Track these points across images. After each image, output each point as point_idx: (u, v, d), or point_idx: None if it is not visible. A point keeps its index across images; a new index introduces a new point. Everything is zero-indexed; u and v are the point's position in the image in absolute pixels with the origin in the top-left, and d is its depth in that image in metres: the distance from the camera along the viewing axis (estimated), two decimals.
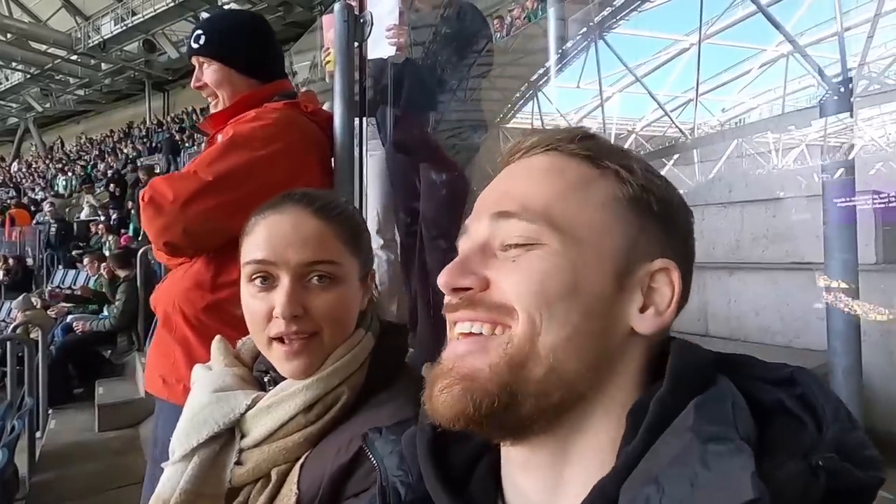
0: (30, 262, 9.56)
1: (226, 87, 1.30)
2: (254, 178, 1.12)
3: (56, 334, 5.24)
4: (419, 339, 2.02)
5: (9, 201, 14.01)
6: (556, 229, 0.42)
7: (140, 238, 6.74)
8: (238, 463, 0.69)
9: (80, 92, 21.55)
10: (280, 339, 0.70)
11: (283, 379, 0.73)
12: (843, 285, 3.14)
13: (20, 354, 3.89)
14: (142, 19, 16.39)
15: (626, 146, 0.60)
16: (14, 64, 19.98)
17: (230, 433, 0.71)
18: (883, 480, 0.33)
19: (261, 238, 0.72)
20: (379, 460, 0.50)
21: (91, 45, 17.81)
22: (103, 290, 5.97)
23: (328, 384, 0.70)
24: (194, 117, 15.04)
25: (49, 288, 7.45)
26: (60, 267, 8.76)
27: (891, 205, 3.56)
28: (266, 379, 0.76)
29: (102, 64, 19.18)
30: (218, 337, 0.82)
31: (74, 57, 18.66)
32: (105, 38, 17.43)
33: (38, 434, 3.67)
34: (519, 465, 0.44)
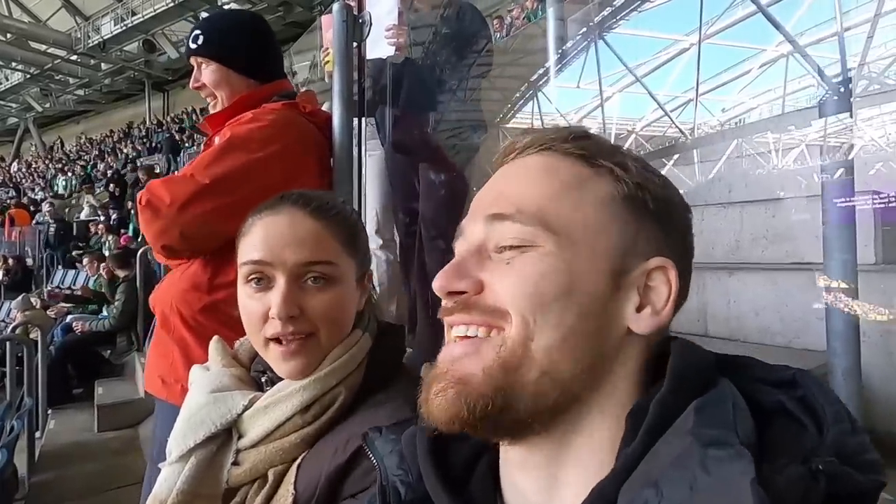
0: (29, 262, 9.57)
1: (224, 88, 1.30)
2: (251, 181, 1.12)
3: (55, 334, 5.24)
4: (418, 339, 2.02)
5: (8, 201, 14.02)
6: (551, 230, 0.42)
7: (140, 238, 6.75)
8: (235, 463, 0.69)
9: (80, 92, 21.54)
10: (277, 340, 0.70)
11: (281, 379, 0.73)
12: (843, 285, 3.15)
13: (20, 354, 3.89)
14: (142, 19, 16.37)
15: (625, 146, 0.59)
16: (14, 64, 19.97)
17: (227, 434, 0.70)
18: (884, 484, 0.33)
19: (257, 238, 0.72)
20: (379, 459, 0.50)
21: (91, 45, 17.79)
22: (103, 290, 5.97)
23: (325, 385, 0.70)
24: (194, 117, 15.04)
25: (48, 288, 7.46)
26: (60, 267, 8.77)
27: (890, 205, 3.56)
28: (263, 379, 0.76)
29: (102, 64, 19.17)
30: (215, 337, 0.81)
31: (74, 57, 18.65)
32: (105, 38, 17.41)
33: (37, 434, 3.67)
34: (517, 465, 0.44)
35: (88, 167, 16.59)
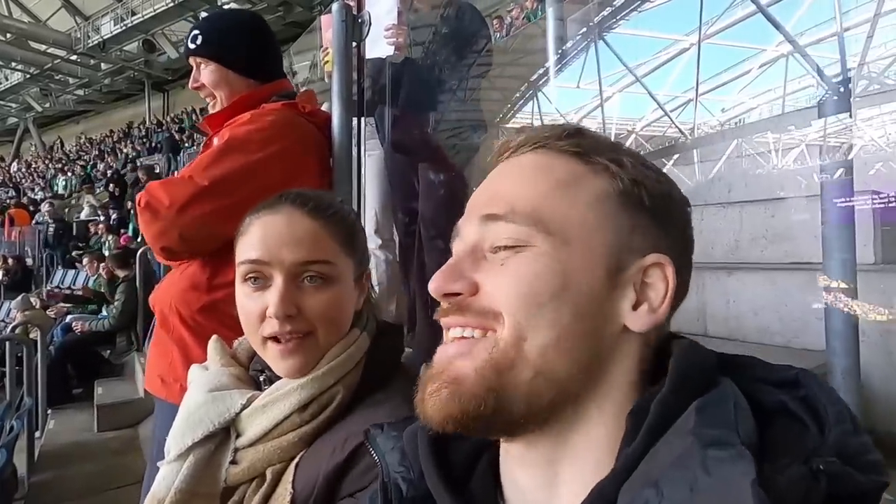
0: (29, 262, 9.57)
1: (223, 88, 1.30)
2: (250, 182, 1.11)
3: (55, 334, 5.24)
4: (418, 339, 2.02)
5: (8, 201, 14.02)
6: (545, 230, 0.41)
7: (140, 238, 6.74)
8: (233, 462, 0.69)
9: (80, 92, 21.53)
10: (275, 339, 0.70)
11: (279, 378, 0.73)
12: (842, 285, 3.14)
13: (19, 354, 3.89)
14: (141, 19, 16.37)
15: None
16: (14, 64, 19.97)
17: (225, 432, 0.70)
18: (886, 485, 0.33)
19: (255, 238, 0.72)
20: (381, 456, 0.50)
21: (91, 45, 17.79)
22: (102, 290, 5.97)
23: (323, 383, 0.70)
24: (194, 117, 15.03)
25: (48, 288, 7.46)
26: (60, 267, 8.76)
27: (890, 205, 3.56)
28: (262, 378, 0.76)
29: (102, 64, 19.17)
30: (214, 337, 0.81)
31: (74, 57, 18.65)
32: (105, 38, 17.40)
33: (37, 434, 3.67)
34: (517, 461, 0.44)
35: (88, 167, 16.60)
